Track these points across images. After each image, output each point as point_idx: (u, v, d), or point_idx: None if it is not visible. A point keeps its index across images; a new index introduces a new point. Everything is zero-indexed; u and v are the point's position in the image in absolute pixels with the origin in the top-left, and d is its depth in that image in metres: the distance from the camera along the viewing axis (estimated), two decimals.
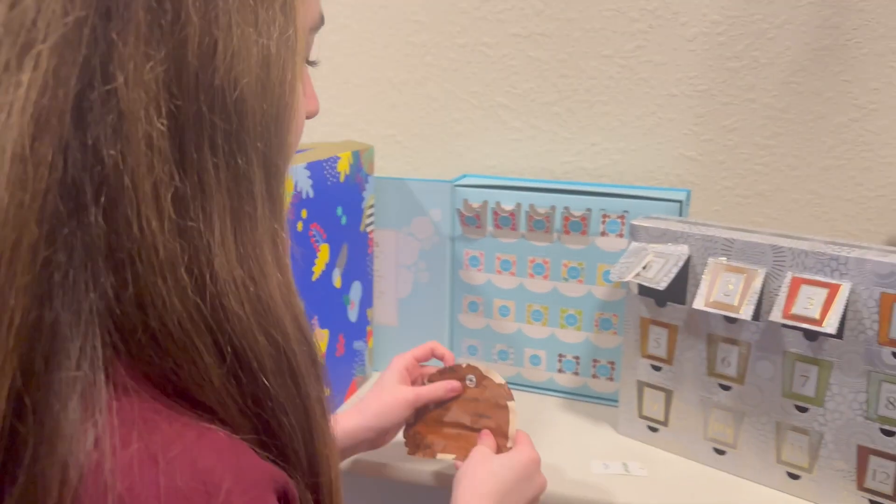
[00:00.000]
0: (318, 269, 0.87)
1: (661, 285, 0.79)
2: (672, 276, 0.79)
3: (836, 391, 0.74)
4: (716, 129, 0.98)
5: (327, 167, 0.86)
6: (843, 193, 0.96)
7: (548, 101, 1.04)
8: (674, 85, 0.98)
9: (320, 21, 0.47)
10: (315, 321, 0.88)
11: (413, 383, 0.81)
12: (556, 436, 0.89)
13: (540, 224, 0.96)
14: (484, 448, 0.73)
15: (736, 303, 0.76)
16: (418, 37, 1.07)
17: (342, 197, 0.91)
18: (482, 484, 0.67)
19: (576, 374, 1.00)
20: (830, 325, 0.69)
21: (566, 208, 0.94)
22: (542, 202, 0.95)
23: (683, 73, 0.98)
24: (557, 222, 0.95)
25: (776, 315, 0.72)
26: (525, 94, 1.05)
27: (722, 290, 0.77)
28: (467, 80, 1.07)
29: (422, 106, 1.10)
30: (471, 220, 0.99)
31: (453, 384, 0.80)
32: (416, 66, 1.08)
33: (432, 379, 0.82)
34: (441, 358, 0.83)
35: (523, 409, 0.94)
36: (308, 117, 0.47)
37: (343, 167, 0.90)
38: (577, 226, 0.94)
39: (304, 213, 0.82)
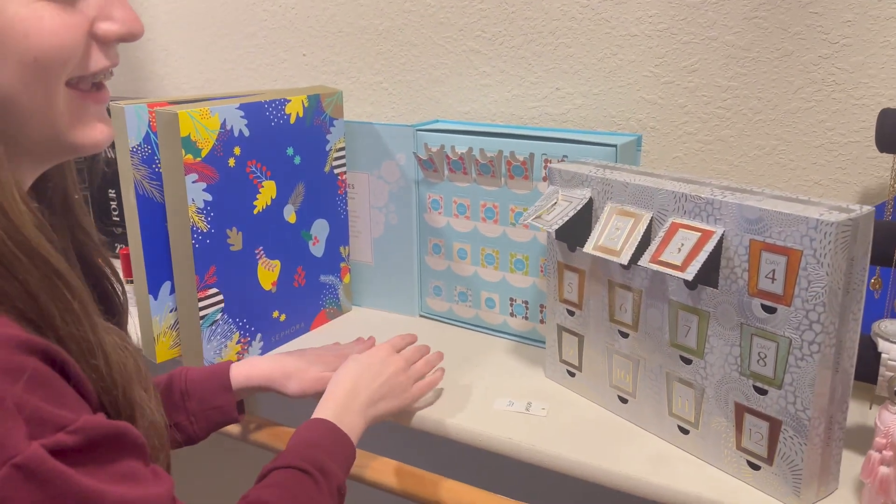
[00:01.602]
0: (262, 203, 0.94)
1: (553, 228, 0.78)
2: (566, 219, 0.78)
3: (713, 343, 0.70)
4: (676, 71, 0.93)
5: (269, 109, 0.93)
6: (811, 139, 0.88)
7: (515, 45, 1.03)
8: (634, 24, 0.94)
9: None
10: (260, 251, 0.96)
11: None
12: (487, 376, 0.91)
13: (486, 168, 0.97)
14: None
15: (619, 247, 0.74)
16: None
17: (293, 138, 0.97)
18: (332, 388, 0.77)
19: (525, 318, 1.01)
20: (690, 272, 0.66)
21: (511, 153, 0.94)
22: (490, 147, 0.96)
23: (643, 10, 0.93)
24: (503, 167, 0.95)
25: (645, 259, 0.69)
26: (494, 38, 1.04)
27: (611, 235, 0.75)
28: (442, 26, 1.08)
29: (404, 52, 1.13)
30: (427, 164, 1.01)
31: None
32: (398, 13, 1.11)
33: None
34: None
35: (478, 350, 0.98)
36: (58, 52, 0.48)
37: (294, 109, 0.96)
38: (519, 170, 0.94)
39: (236, 151, 0.89)
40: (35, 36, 0.46)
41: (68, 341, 0.46)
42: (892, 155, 0.77)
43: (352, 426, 0.72)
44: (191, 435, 0.79)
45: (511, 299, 1.01)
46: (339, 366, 0.81)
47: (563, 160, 0.90)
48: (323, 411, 0.73)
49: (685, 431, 0.75)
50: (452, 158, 0.99)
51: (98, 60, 0.50)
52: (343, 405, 0.74)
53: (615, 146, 0.87)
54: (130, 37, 0.51)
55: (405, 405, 0.80)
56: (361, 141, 1.07)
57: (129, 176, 0.89)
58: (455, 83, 1.10)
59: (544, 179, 0.93)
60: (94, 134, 0.52)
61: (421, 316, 1.11)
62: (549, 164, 0.90)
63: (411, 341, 0.89)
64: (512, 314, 1.01)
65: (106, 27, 0.50)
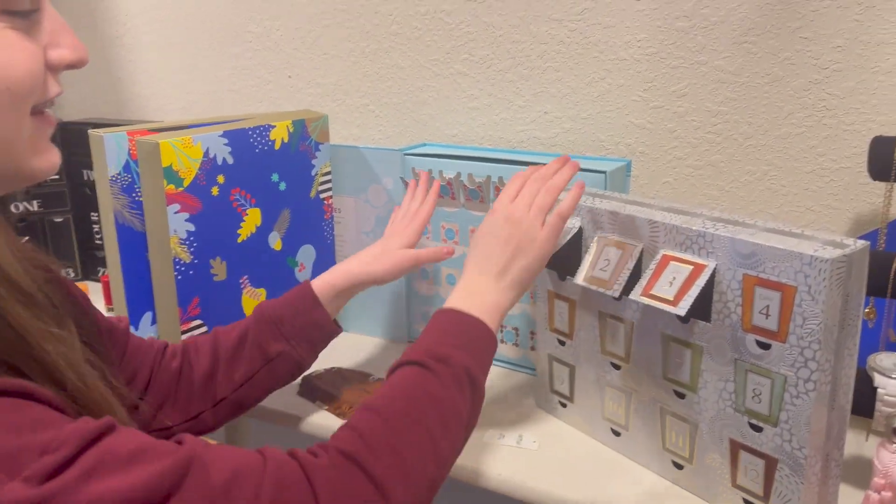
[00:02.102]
0: (246, 231, 0.92)
1: None
2: (555, 249, 0.76)
3: (707, 378, 0.69)
4: (665, 95, 0.92)
5: (253, 135, 0.91)
6: (802, 165, 0.87)
7: (502, 69, 1.02)
8: (622, 48, 0.93)
9: None
10: (245, 280, 0.94)
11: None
12: None
13: (475, 194, 0.95)
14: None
15: (609, 278, 0.72)
16: (385, 6, 1.08)
17: (278, 164, 0.95)
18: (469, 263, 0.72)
19: (516, 344, 0.99)
20: (682, 307, 0.64)
21: (500, 178, 0.93)
22: (479, 172, 0.95)
23: (632, 35, 0.92)
24: (491, 192, 0.94)
25: (636, 293, 0.68)
26: (481, 60, 1.03)
27: (601, 266, 0.74)
28: (429, 49, 1.07)
29: (391, 75, 1.11)
30: None
31: (447, 248, 0.87)
32: (385, 36, 1.10)
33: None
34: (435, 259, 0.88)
35: None
36: (55, 68, 0.49)
37: (278, 135, 0.95)
38: None
39: (220, 179, 0.87)
40: (7, 66, 0.46)
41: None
42: (884, 182, 0.76)
43: (485, 306, 0.66)
44: (298, 360, 0.78)
45: (501, 326, 0.99)
46: (415, 230, 0.85)
47: None
48: (447, 303, 0.68)
49: (679, 467, 0.74)
50: (442, 184, 0.98)
51: (53, 87, 0.50)
52: (466, 289, 0.68)
53: (605, 172, 0.86)
54: (80, 63, 0.51)
55: (543, 254, 0.70)
56: (348, 165, 1.05)
57: (108, 205, 0.87)
58: (442, 106, 1.08)
59: None
60: (51, 158, 0.52)
61: (409, 342, 1.09)
62: None
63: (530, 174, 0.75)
64: (502, 341, 1.00)
65: (59, 54, 0.49)
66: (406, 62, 1.09)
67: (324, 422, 0.86)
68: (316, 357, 0.81)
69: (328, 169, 1.04)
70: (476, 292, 0.67)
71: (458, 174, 0.96)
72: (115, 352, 0.70)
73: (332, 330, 0.82)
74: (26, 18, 0.46)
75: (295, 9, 1.15)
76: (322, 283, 0.82)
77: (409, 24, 1.07)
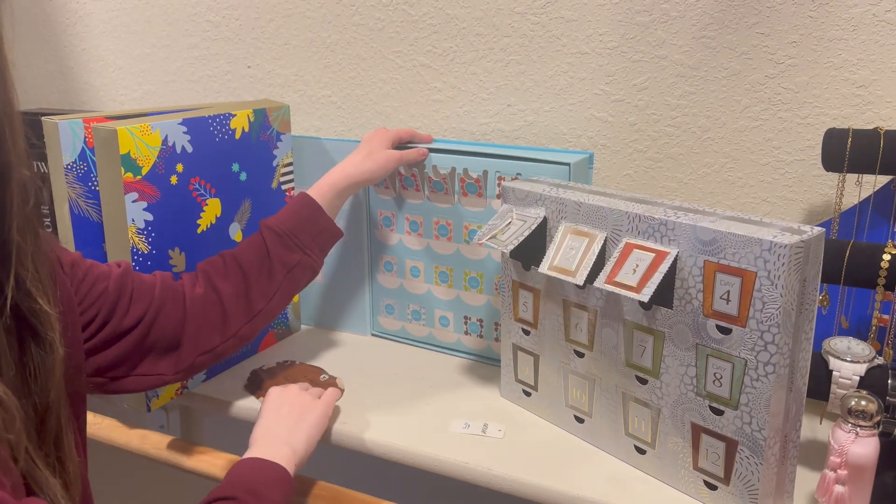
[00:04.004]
0: (206, 221, 0.91)
1: (508, 248, 0.77)
2: (521, 238, 0.77)
3: (669, 363, 0.70)
4: (626, 89, 0.93)
5: (213, 124, 0.89)
6: (758, 157, 0.89)
7: (466, 61, 1.02)
8: (584, 42, 0.94)
9: None
10: None
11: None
12: (442, 396, 0.89)
13: (439, 185, 0.95)
14: None
15: (574, 267, 0.73)
16: None
17: (238, 153, 0.94)
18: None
19: (480, 336, 0.99)
20: (645, 293, 0.65)
21: (465, 170, 0.93)
22: (443, 164, 0.95)
23: (594, 29, 0.93)
24: (456, 184, 0.94)
25: (600, 280, 0.69)
26: (445, 53, 1.03)
27: (566, 255, 0.75)
28: (392, 40, 1.06)
29: (353, 66, 1.11)
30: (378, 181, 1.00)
31: (423, 150, 0.95)
32: (347, 26, 1.09)
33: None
34: (413, 140, 0.97)
35: (432, 369, 0.96)
36: None
37: (239, 124, 0.93)
38: (472, 188, 0.93)
39: (179, 168, 0.86)
40: None
41: None
42: (837, 174, 0.79)
43: (280, 455, 0.71)
44: (313, 265, 0.87)
45: (465, 317, 0.99)
46: (394, 132, 0.93)
47: (516, 178, 0.89)
48: (246, 454, 0.73)
49: (642, 451, 0.75)
50: (404, 175, 0.97)
51: None
52: (262, 443, 0.74)
53: (568, 164, 0.86)
54: None
55: (322, 415, 0.79)
56: (309, 156, 1.04)
57: (63, 194, 0.85)
58: (405, 98, 1.08)
59: (498, 197, 0.92)
60: None
61: (373, 335, 1.08)
62: (502, 183, 0.89)
63: None
64: (466, 332, 1.00)
65: None
66: (368, 53, 1.09)
67: None
68: (323, 260, 0.89)
69: (290, 160, 1.03)
70: (271, 445, 0.74)
71: (423, 166, 0.96)
72: (122, 301, 0.74)
73: (336, 233, 0.90)
74: None
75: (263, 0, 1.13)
76: (323, 188, 0.89)
77: (372, 16, 1.07)
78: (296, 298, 1.08)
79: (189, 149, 0.87)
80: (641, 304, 0.71)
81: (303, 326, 1.11)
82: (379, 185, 1.00)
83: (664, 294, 0.68)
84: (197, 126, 0.88)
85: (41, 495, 0.49)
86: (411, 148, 0.95)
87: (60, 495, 0.51)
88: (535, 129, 1.00)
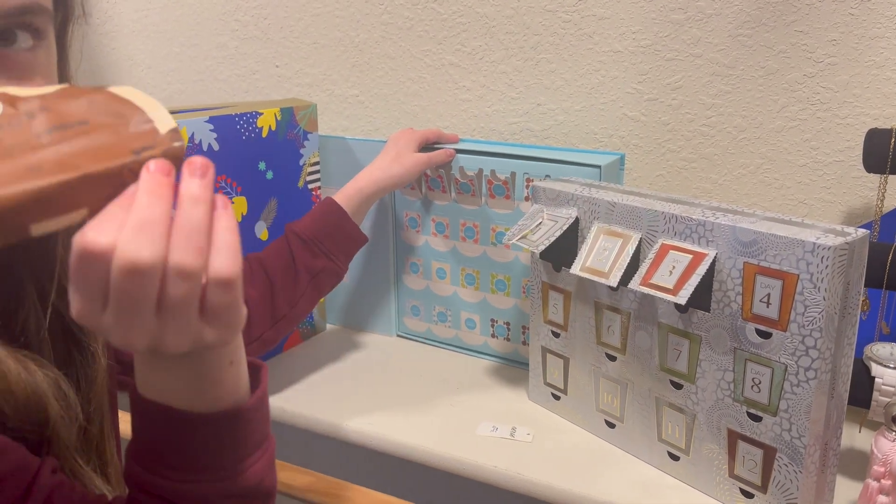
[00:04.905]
0: None
1: (539, 248, 0.76)
2: (552, 239, 0.76)
3: (705, 368, 0.68)
4: (660, 88, 0.91)
5: (240, 122, 0.89)
6: (796, 158, 0.87)
7: (495, 60, 1.01)
8: (617, 40, 0.92)
9: None
10: None
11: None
12: (468, 398, 0.88)
13: (466, 187, 0.94)
14: None
15: (607, 269, 0.71)
16: None
17: (265, 152, 0.93)
18: None
19: (507, 339, 0.98)
20: (682, 296, 0.64)
21: (492, 171, 0.92)
22: (470, 165, 0.93)
23: (627, 27, 0.91)
24: (483, 185, 0.93)
25: (635, 282, 0.67)
26: (474, 51, 1.02)
27: (598, 255, 0.73)
28: (421, 39, 1.06)
29: (381, 65, 1.10)
30: None
31: (450, 151, 0.93)
32: (375, 25, 1.08)
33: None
34: (440, 141, 0.96)
35: (458, 371, 0.95)
36: None
37: (266, 123, 0.93)
38: (500, 189, 0.92)
39: None
40: None
41: None
42: (878, 175, 0.76)
43: None
44: (337, 272, 0.87)
45: (492, 320, 0.98)
46: (421, 134, 0.92)
47: (545, 179, 0.88)
48: None
49: (675, 458, 0.73)
50: (431, 176, 0.96)
51: None
52: None
53: (599, 167, 0.85)
54: None
55: None
56: (336, 156, 1.04)
57: None
58: (433, 97, 1.07)
59: (526, 199, 0.90)
60: None
61: (398, 336, 1.07)
62: (532, 183, 0.87)
63: None
64: (493, 335, 0.99)
65: None
66: (397, 52, 1.08)
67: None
68: (348, 265, 0.89)
69: (317, 159, 1.02)
70: None
71: (449, 167, 0.95)
72: None
73: (361, 238, 0.89)
74: None
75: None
76: (350, 192, 0.89)
77: (401, 14, 1.06)
78: (321, 299, 1.07)
79: (216, 147, 0.87)
80: (677, 306, 0.69)
81: (328, 326, 1.11)
82: (405, 187, 0.99)
83: (701, 297, 0.66)
84: (224, 124, 0.87)
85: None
86: (438, 149, 0.94)
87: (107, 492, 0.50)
88: (565, 128, 0.99)
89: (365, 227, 1.03)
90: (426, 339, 1.05)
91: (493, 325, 0.99)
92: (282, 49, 1.17)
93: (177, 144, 0.40)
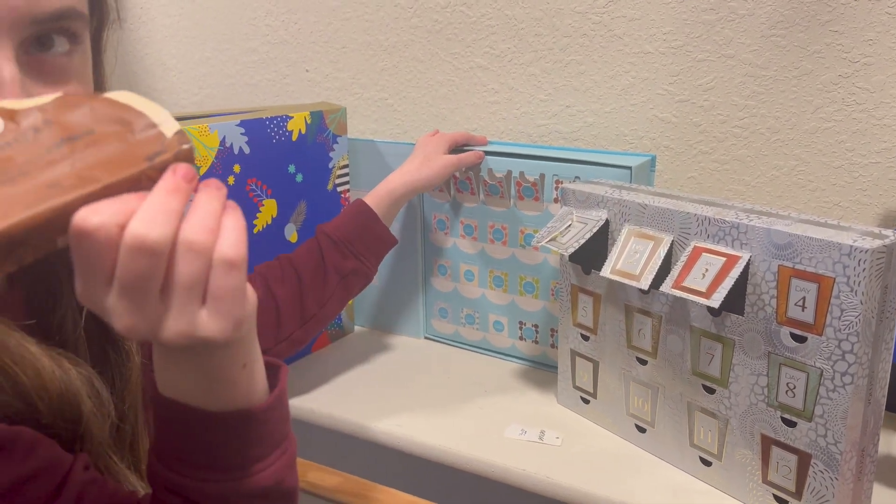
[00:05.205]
0: (262, 222, 0.91)
1: (569, 251, 0.75)
2: (582, 241, 0.75)
3: (738, 372, 0.67)
4: (691, 89, 0.91)
5: (270, 126, 0.90)
6: (831, 160, 0.85)
7: (524, 62, 1.01)
8: (647, 41, 0.92)
9: None
10: None
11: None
12: (496, 400, 0.88)
13: (494, 189, 0.94)
14: None
15: (638, 271, 0.71)
16: None
17: (295, 155, 0.94)
18: None
19: (535, 341, 0.97)
20: (716, 299, 0.63)
21: (521, 173, 0.92)
22: (499, 167, 0.93)
23: (657, 28, 0.91)
24: (512, 187, 0.93)
25: (667, 285, 0.67)
26: (502, 54, 1.02)
27: (629, 258, 0.72)
28: (449, 42, 1.06)
29: (410, 68, 1.10)
30: None
31: (479, 153, 0.93)
32: (404, 29, 1.09)
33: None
34: (469, 143, 0.96)
35: (486, 374, 0.95)
36: None
37: (296, 126, 0.93)
38: (529, 191, 0.92)
39: (236, 168, 0.86)
40: None
41: None
42: None
43: None
44: (366, 273, 0.87)
45: (520, 322, 0.98)
46: (450, 136, 0.92)
47: (575, 181, 0.88)
48: None
49: (707, 463, 0.72)
50: (459, 178, 0.96)
51: None
52: None
53: (630, 168, 0.84)
54: None
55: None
56: (365, 159, 1.04)
57: None
58: (462, 100, 1.07)
59: (555, 201, 0.90)
60: None
61: (426, 338, 1.08)
62: (561, 185, 0.87)
63: None
64: (521, 338, 0.98)
65: None
66: (425, 55, 1.08)
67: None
68: (377, 267, 0.90)
69: (346, 162, 1.03)
70: None
71: (478, 169, 0.95)
72: None
73: (391, 240, 0.90)
74: None
75: (313, 2, 1.14)
76: (380, 194, 0.89)
77: (430, 17, 1.06)
78: (350, 301, 1.08)
79: (246, 150, 0.87)
80: (710, 310, 0.68)
81: (356, 328, 1.11)
82: (434, 189, 0.99)
83: (735, 300, 0.65)
84: (254, 127, 0.88)
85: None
86: (468, 151, 0.94)
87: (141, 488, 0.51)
88: (594, 130, 0.98)
89: (394, 229, 1.03)
90: (454, 341, 1.05)
91: (521, 328, 0.98)
92: (311, 53, 1.18)
93: (186, 147, 0.40)
